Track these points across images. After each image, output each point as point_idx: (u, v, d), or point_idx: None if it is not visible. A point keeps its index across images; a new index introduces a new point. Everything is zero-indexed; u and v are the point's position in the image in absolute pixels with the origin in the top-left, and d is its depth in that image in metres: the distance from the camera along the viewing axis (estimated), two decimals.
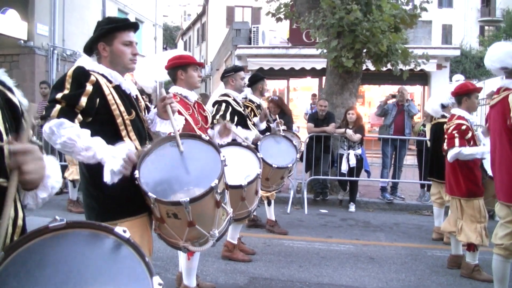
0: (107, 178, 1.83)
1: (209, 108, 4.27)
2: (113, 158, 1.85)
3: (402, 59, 7.34)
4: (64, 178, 6.80)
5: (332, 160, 7.40)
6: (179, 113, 2.95)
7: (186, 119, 3.10)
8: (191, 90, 3.30)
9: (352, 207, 7.06)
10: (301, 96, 15.28)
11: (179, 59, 3.19)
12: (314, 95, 12.16)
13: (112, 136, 2.08)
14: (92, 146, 1.89)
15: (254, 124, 4.62)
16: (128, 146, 1.93)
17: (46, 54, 13.11)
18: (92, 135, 1.98)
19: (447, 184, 4.39)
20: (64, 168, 6.78)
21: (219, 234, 2.21)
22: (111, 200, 1.93)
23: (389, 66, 7.49)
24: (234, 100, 4.28)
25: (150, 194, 1.96)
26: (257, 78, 5.15)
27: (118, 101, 2.12)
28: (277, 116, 5.52)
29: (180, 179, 2.11)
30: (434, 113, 5.45)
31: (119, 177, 1.86)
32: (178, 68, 3.20)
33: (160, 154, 2.17)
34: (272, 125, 5.00)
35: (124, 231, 1.29)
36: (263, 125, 4.90)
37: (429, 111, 5.55)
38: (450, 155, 4.06)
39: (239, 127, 4.12)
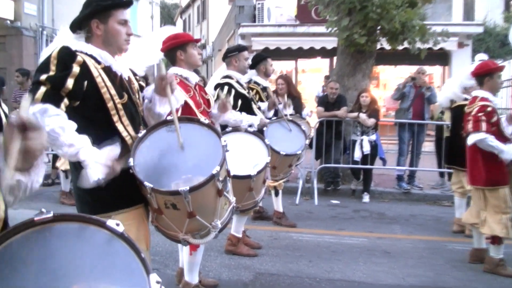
0: (83, 182, 1.80)
1: (210, 91, 4.24)
2: (95, 164, 1.80)
3: (420, 37, 7.23)
4: (55, 168, 6.84)
5: (344, 147, 7.39)
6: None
7: (186, 102, 3.08)
8: (191, 70, 3.28)
9: (366, 198, 7.06)
10: (310, 78, 15.20)
11: (176, 39, 3.15)
12: (327, 77, 12.08)
13: (103, 122, 2.07)
14: (76, 144, 1.85)
15: (259, 109, 4.59)
16: (114, 150, 1.90)
17: (35, 35, 13.07)
18: (81, 121, 1.95)
19: (468, 173, 4.34)
20: (55, 158, 6.81)
21: (222, 225, 2.22)
22: (104, 191, 1.92)
23: (405, 44, 7.39)
24: (238, 82, 4.25)
25: (146, 183, 1.96)
26: (259, 59, 5.12)
27: (108, 83, 2.09)
28: (285, 96, 5.44)
29: (179, 166, 2.11)
30: (455, 97, 5.38)
31: (96, 183, 1.82)
32: (177, 49, 3.16)
33: (156, 140, 2.16)
34: (280, 107, 4.97)
35: (117, 225, 1.28)
36: (270, 113, 4.88)
37: (449, 95, 5.48)
38: (473, 139, 4.00)
39: (243, 113, 4.09)
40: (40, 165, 1.29)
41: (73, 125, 1.89)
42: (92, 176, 1.79)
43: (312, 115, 6.83)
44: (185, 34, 3.41)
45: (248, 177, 3.07)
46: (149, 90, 2.40)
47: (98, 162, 1.82)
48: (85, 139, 1.89)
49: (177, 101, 2.43)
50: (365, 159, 6.95)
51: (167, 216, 2.12)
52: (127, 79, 2.28)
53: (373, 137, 6.95)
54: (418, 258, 4.55)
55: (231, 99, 4.02)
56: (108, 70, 2.14)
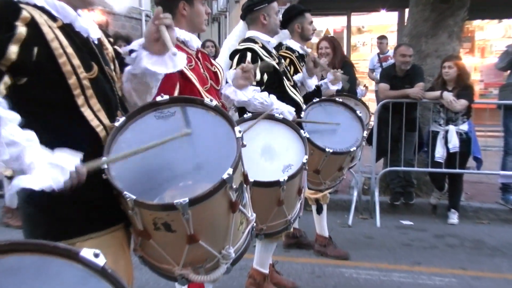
0: (24, 184, 1.79)
1: (222, 61, 4.23)
2: (47, 166, 1.81)
3: None
4: None
5: (420, 142, 7.34)
6: None
7: (185, 76, 3.10)
8: (194, 33, 3.31)
9: (454, 217, 7.00)
10: (370, 41, 15.09)
11: None
12: (382, 38, 11.93)
13: (62, 106, 2.04)
14: (20, 142, 1.81)
15: (295, 86, 4.59)
16: (75, 156, 1.91)
17: None
18: (29, 106, 1.95)
19: None
20: None
21: (236, 254, 2.22)
22: (65, 208, 1.93)
23: None
24: (264, 47, 4.26)
25: (126, 193, 1.96)
26: (294, 13, 5.13)
27: (69, 49, 2.05)
28: (324, 65, 5.26)
29: (174, 169, 2.12)
30: None
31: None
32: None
33: (141, 131, 2.17)
34: (325, 82, 4.94)
35: (96, 255, 1.29)
36: (313, 82, 4.84)
37: None
38: None
39: (272, 96, 4.09)
40: None
41: (15, 118, 1.87)
42: (40, 182, 1.77)
43: (366, 92, 6.83)
44: None
45: (276, 184, 3.06)
46: (134, 44, 2.38)
47: (53, 164, 1.82)
48: (31, 135, 1.86)
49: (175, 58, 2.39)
50: (451, 160, 6.88)
51: (158, 241, 2.12)
52: (96, 42, 2.28)
53: (464, 127, 6.87)
54: None
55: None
56: (68, 30, 2.11)
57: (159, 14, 2.24)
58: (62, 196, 1.88)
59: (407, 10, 8.81)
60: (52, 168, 1.83)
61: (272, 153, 3.33)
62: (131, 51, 2.36)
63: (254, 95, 3.75)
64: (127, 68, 2.40)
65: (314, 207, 5.55)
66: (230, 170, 2.00)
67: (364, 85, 7.12)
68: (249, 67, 3.47)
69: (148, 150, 2.06)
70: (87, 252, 1.29)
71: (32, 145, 1.86)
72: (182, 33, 3.23)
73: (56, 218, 2.07)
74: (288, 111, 4.05)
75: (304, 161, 3.22)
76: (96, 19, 2.34)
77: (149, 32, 2.28)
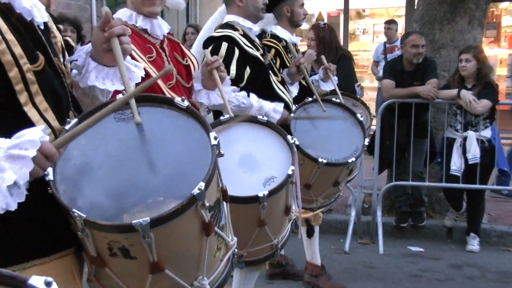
0: (3, 199, 1.81)
1: (197, 51, 4.26)
2: (11, 159, 1.84)
3: None
4: None
5: (433, 151, 7.36)
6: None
7: (145, 71, 3.11)
8: (154, 16, 3.34)
9: (474, 243, 7.02)
10: (372, 27, 15.18)
11: None
12: (390, 23, 11.97)
13: (0, 103, 2.07)
14: None
15: (283, 82, 4.65)
16: (37, 132, 1.93)
17: None
18: None
19: None
20: None
21: (212, 287, 2.23)
22: (1, 229, 1.94)
23: None
24: (245, 35, 4.30)
25: (75, 211, 1.96)
26: None
27: (10, 35, 2.07)
28: (323, 59, 5.37)
29: (135, 182, 2.13)
30: None
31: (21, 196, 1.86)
32: None
33: (96, 136, 2.19)
34: (316, 80, 4.97)
35: (48, 284, 1.25)
36: (294, 89, 4.91)
37: None
38: None
39: (251, 95, 4.15)
40: None
41: None
42: (14, 178, 1.78)
43: (364, 92, 6.86)
44: None
45: (255, 200, 3.06)
46: (80, 50, 2.43)
47: (13, 153, 1.82)
48: None
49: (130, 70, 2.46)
50: (471, 173, 6.91)
51: (115, 270, 2.13)
52: (43, 27, 2.29)
53: (486, 133, 6.93)
54: None
55: (232, 67, 4.11)
56: (6, 12, 2.13)
57: (108, 20, 2.26)
58: None
59: None
60: (12, 162, 1.81)
61: (252, 163, 3.32)
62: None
63: (229, 96, 3.78)
64: (73, 72, 2.43)
65: (303, 230, 5.52)
66: (201, 185, 2.00)
67: (359, 85, 7.08)
68: (214, 61, 3.41)
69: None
70: (36, 280, 1.23)
71: None
72: (140, 20, 3.26)
73: None
74: (273, 109, 4.09)
75: (290, 172, 3.19)
76: None
77: (98, 42, 2.30)
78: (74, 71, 2.42)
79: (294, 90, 4.91)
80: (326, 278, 5.64)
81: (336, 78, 5.33)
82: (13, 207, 1.79)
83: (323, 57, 5.22)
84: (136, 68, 2.52)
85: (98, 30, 2.29)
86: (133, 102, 2.20)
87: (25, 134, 1.86)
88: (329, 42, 6.68)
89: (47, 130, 2.12)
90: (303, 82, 5.10)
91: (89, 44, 2.41)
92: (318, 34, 6.64)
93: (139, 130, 2.22)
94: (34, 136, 1.85)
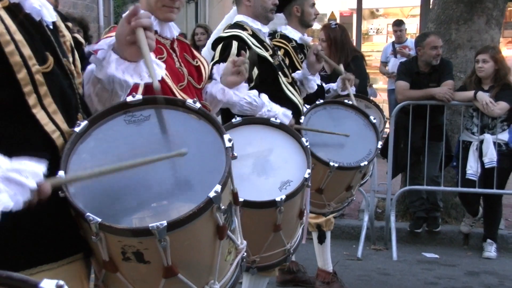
0: None
1: (208, 51, 4.26)
2: (7, 182, 1.79)
3: None
4: None
5: (449, 155, 7.34)
6: None
7: None
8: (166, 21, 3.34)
9: (491, 250, 6.99)
10: (386, 27, 15.23)
11: None
12: (399, 24, 11.94)
13: (9, 106, 2.04)
14: None
15: (294, 84, 4.60)
16: (38, 167, 1.89)
17: None
18: None
19: None
20: None
21: None
22: (7, 232, 1.90)
23: None
24: (254, 35, 4.29)
25: (89, 215, 1.96)
26: None
27: (19, 36, 2.05)
28: (340, 66, 5.35)
29: (148, 186, 2.12)
30: None
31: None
32: None
33: (107, 138, 2.18)
34: (333, 88, 4.93)
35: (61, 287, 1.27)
36: (314, 83, 4.87)
37: None
38: None
39: (263, 95, 4.10)
40: None
41: None
42: (4, 203, 1.75)
43: (378, 93, 6.83)
44: None
45: (272, 204, 3.06)
46: (99, 44, 2.40)
47: (10, 179, 1.80)
48: None
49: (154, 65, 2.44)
50: (487, 177, 6.87)
51: (126, 275, 2.12)
52: (51, 27, 2.27)
53: (503, 136, 6.89)
54: None
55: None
56: (16, 12, 2.10)
57: (136, 12, 2.25)
58: (5, 218, 1.82)
59: None
60: (8, 185, 1.79)
61: (266, 167, 3.33)
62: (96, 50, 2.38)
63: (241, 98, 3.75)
64: (90, 67, 2.41)
65: (315, 235, 5.55)
66: (218, 187, 2.00)
67: (370, 85, 7.07)
68: (240, 60, 3.47)
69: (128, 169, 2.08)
70: (48, 284, 1.25)
71: None
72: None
73: None
74: (283, 113, 4.07)
75: (307, 176, 3.21)
76: None
77: (122, 34, 2.30)
78: (92, 65, 2.40)
79: (314, 83, 4.87)
80: (339, 285, 5.62)
81: (354, 88, 5.30)
82: None
83: (341, 65, 5.16)
84: (158, 66, 2.52)
85: (124, 22, 2.28)
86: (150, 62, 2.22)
87: (28, 163, 1.86)
88: (340, 43, 6.60)
89: (56, 133, 2.12)
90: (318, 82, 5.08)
91: (113, 37, 2.39)
92: (329, 35, 6.59)
93: (151, 132, 2.21)
94: (38, 169, 1.86)
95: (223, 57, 4.05)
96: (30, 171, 1.83)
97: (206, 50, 4.51)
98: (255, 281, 4.31)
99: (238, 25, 4.30)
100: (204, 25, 10.26)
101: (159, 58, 3.15)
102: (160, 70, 2.56)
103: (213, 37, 4.79)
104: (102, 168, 2.05)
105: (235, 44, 4.14)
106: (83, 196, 2.06)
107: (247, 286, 4.32)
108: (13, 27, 2.04)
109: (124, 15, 2.30)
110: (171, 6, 3.24)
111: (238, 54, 4.03)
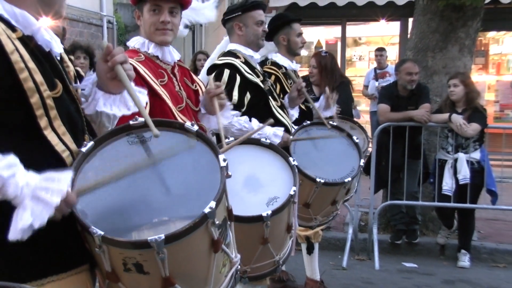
0: (15, 234, 1.82)
1: (204, 78, 4.32)
2: (36, 201, 1.84)
3: None
4: None
5: (426, 171, 7.39)
6: (140, 83, 3.03)
7: (156, 94, 3.18)
8: (166, 45, 3.41)
9: (465, 259, 7.02)
10: (368, 54, 15.23)
11: None
12: (381, 50, 12.09)
13: (22, 128, 2.08)
14: (1, 172, 1.85)
15: (283, 107, 4.68)
16: (66, 176, 1.95)
17: None
18: None
19: None
20: None
21: None
22: (18, 246, 1.89)
23: None
24: (246, 62, 4.33)
25: (93, 229, 1.99)
26: (280, 23, 5.21)
27: (32, 64, 2.09)
28: (326, 89, 5.51)
29: (148, 202, 2.14)
30: None
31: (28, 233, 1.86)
32: (142, 3, 3.32)
33: (110, 158, 2.21)
34: (317, 104, 5.00)
35: None
36: (295, 113, 4.95)
37: None
38: None
39: (253, 120, 4.17)
40: None
41: None
42: (31, 220, 1.82)
43: (361, 115, 6.88)
44: None
45: (259, 219, 3.09)
46: (86, 80, 2.46)
47: (36, 197, 1.85)
48: (12, 160, 1.89)
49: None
50: (462, 193, 6.93)
51: (127, 284, 2.13)
52: (58, 58, 2.33)
53: (476, 155, 6.96)
54: None
55: (235, 94, 4.13)
56: (28, 43, 2.14)
57: (110, 51, 2.26)
58: None
59: (410, 20, 8.85)
60: (37, 203, 1.85)
61: (256, 184, 3.34)
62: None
63: (232, 120, 3.80)
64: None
65: (304, 246, 5.56)
66: (212, 204, 2.02)
67: (354, 106, 7.12)
68: (214, 89, 3.44)
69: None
70: None
71: (15, 172, 1.88)
72: (152, 47, 3.33)
73: (6, 259, 2.03)
74: (273, 133, 4.10)
75: (292, 193, 3.22)
76: (49, 24, 2.30)
77: (102, 72, 2.32)
78: (82, 99, 2.44)
79: (295, 113, 4.94)
80: None
81: (336, 106, 5.38)
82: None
83: (327, 88, 5.29)
84: (140, 93, 2.54)
85: (101, 62, 2.30)
86: (147, 116, 2.21)
87: (55, 180, 1.91)
88: (330, 69, 6.67)
89: (66, 153, 2.16)
90: (302, 107, 5.15)
91: (94, 75, 2.43)
92: (320, 62, 6.65)
93: (151, 152, 2.24)
94: (63, 186, 1.91)
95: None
96: (56, 190, 1.88)
97: (204, 75, 4.55)
98: None
99: (231, 53, 4.33)
100: (205, 52, 10.36)
101: (160, 82, 3.24)
102: (143, 97, 2.56)
103: (207, 64, 4.83)
104: (113, 173, 2.10)
105: (226, 72, 4.18)
106: (89, 212, 2.07)
107: None
108: (26, 55, 2.08)
109: (98, 57, 2.35)
110: (164, 28, 3.29)
111: (229, 81, 4.13)
